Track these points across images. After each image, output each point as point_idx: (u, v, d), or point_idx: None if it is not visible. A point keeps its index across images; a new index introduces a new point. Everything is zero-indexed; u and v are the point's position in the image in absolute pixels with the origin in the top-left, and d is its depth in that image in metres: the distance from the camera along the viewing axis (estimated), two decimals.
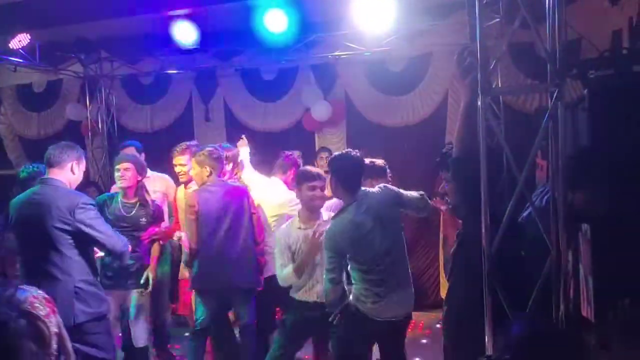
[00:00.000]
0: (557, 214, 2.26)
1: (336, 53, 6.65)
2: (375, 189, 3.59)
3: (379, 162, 4.17)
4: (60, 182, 3.62)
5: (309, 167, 4.04)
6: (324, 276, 3.50)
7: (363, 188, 3.57)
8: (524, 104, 6.09)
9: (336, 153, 3.94)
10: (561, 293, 2.27)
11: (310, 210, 3.86)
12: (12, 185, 4.68)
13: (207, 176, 4.31)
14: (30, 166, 4.56)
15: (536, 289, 2.30)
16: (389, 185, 3.68)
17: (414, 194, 3.62)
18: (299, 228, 3.84)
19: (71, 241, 3.51)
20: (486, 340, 2.40)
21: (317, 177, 3.82)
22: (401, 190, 3.61)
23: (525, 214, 2.58)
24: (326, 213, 3.98)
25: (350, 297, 3.55)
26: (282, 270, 3.81)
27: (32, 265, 3.55)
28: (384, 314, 3.47)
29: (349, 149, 3.78)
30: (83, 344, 3.40)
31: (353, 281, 3.56)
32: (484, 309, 2.39)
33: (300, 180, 3.84)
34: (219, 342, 4.50)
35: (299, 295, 3.84)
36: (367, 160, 3.84)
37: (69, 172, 3.67)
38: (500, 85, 5.83)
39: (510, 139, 2.57)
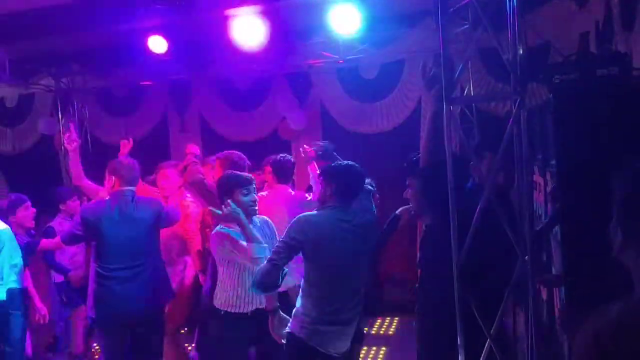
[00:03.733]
0: (523, 213, 2.30)
1: (310, 61, 6.67)
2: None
3: (367, 180, 4.08)
4: None
5: (235, 172, 3.70)
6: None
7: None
8: (495, 108, 6.15)
9: (338, 162, 3.51)
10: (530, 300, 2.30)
11: (249, 217, 3.49)
12: None
13: None
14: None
15: (505, 297, 2.32)
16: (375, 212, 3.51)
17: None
18: None
19: None
20: (459, 348, 2.42)
21: (250, 180, 3.57)
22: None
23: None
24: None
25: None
26: None
27: None
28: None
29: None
30: None
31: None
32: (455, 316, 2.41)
33: (232, 187, 3.49)
34: None
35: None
36: None
37: None
38: (472, 90, 5.89)
39: (487, 144, 2.60)
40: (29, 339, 4.71)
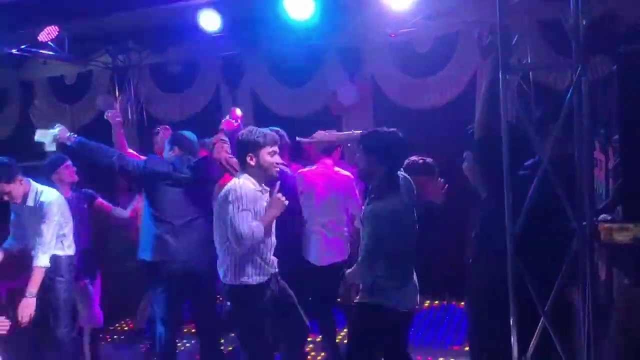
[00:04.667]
0: (582, 190, 2.21)
1: (362, 35, 6.57)
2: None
3: (429, 160, 4.03)
4: None
5: (255, 128, 3.51)
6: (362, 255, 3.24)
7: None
8: (555, 82, 5.92)
9: (377, 129, 3.35)
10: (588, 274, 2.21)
11: (268, 177, 3.45)
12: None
13: None
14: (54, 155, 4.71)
15: (562, 270, 2.24)
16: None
17: None
18: (258, 190, 3.42)
19: None
20: (511, 326, 2.36)
21: (274, 140, 3.42)
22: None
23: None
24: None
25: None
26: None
27: None
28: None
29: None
30: None
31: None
32: (509, 292, 2.35)
33: (258, 145, 3.35)
34: None
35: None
36: (415, 158, 3.68)
37: None
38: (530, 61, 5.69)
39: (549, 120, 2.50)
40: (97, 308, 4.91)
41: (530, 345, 2.32)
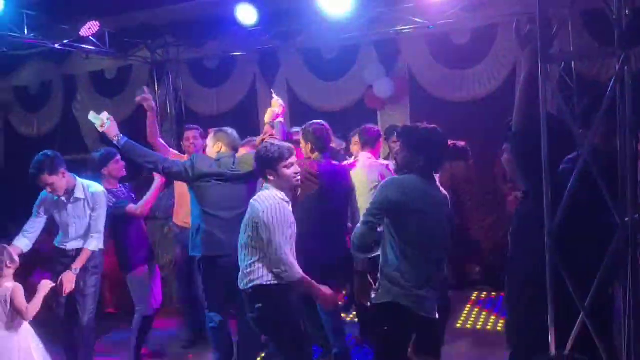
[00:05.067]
0: (625, 185, 2.13)
1: (398, 28, 6.52)
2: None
3: (461, 143, 3.95)
4: None
5: (271, 143, 3.51)
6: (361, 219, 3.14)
7: None
8: (599, 73, 5.75)
9: (416, 125, 3.27)
10: (630, 271, 2.14)
11: (293, 188, 3.54)
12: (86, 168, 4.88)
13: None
14: (103, 149, 4.83)
15: (603, 266, 2.17)
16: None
17: None
18: (285, 201, 3.41)
19: None
20: (549, 322, 2.29)
21: (290, 152, 3.40)
22: None
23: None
24: None
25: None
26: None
27: None
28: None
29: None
30: None
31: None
32: (547, 289, 2.29)
33: (273, 163, 3.35)
34: None
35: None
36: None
37: None
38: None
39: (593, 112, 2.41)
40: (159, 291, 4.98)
41: (569, 342, 2.26)
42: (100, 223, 4.30)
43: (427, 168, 3.11)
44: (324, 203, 4.18)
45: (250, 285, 3.33)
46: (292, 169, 3.39)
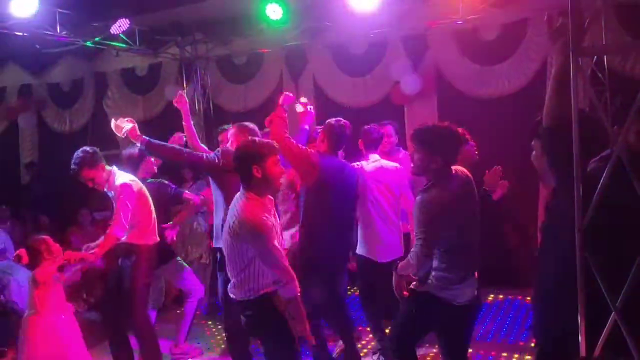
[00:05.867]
0: None
1: (427, 23, 6.47)
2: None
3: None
4: None
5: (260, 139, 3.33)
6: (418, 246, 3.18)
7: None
8: (633, 67, 5.62)
9: (430, 125, 3.33)
10: None
11: (276, 190, 3.43)
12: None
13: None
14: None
15: (635, 264, 2.13)
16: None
17: None
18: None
19: None
20: (579, 320, 2.26)
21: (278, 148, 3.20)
22: None
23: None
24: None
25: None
26: None
27: None
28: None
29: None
30: None
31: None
32: (577, 287, 2.25)
33: (265, 153, 3.06)
34: None
35: None
36: None
37: None
38: None
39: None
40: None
41: (599, 342, 2.22)
42: (121, 213, 4.18)
43: (445, 169, 3.18)
44: (326, 196, 4.19)
45: (247, 295, 3.22)
46: (279, 168, 3.16)
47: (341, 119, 4.42)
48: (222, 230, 4.14)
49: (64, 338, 3.90)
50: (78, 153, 4.23)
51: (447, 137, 3.17)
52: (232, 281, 3.18)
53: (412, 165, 3.44)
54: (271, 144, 3.17)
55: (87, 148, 4.27)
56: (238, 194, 3.15)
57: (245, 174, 3.08)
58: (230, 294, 3.23)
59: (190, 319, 5.07)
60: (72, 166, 4.21)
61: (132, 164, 4.75)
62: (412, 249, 3.24)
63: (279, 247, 3.06)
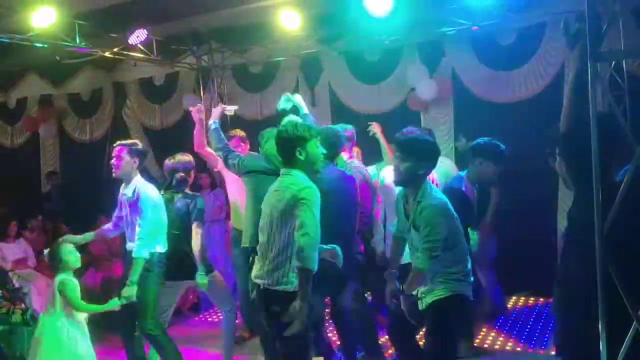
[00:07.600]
0: None
1: (442, 29, 6.45)
2: None
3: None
4: None
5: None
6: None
7: None
8: None
9: (415, 133, 3.43)
10: None
11: (317, 172, 3.38)
12: None
13: None
14: None
15: None
16: None
17: None
18: None
19: None
20: (600, 328, 2.23)
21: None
22: None
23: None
24: None
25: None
26: None
27: None
28: None
29: None
30: None
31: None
32: (598, 292, 2.23)
33: (309, 135, 3.21)
34: None
35: None
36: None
37: None
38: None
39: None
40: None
41: (621, 351, 2.19)
42: (144, 227, 4.13)
43: (426, 176, 3.20)
44: (324, 206, 4.10)
45: (284, 288, 3.18)
46: (321, 149, 3.29)
47: (337, 127, 4.47)
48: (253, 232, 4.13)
49: (79, 342, 3.89)
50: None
51: (433, 148, 3.27)
52: None
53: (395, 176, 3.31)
54: (311, 127, 3.28)
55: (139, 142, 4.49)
56: (280, 176, 3.26)
57: (289, 157, 3.18)
58: None
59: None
60: (119, 142, 4.39)
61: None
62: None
63: None
